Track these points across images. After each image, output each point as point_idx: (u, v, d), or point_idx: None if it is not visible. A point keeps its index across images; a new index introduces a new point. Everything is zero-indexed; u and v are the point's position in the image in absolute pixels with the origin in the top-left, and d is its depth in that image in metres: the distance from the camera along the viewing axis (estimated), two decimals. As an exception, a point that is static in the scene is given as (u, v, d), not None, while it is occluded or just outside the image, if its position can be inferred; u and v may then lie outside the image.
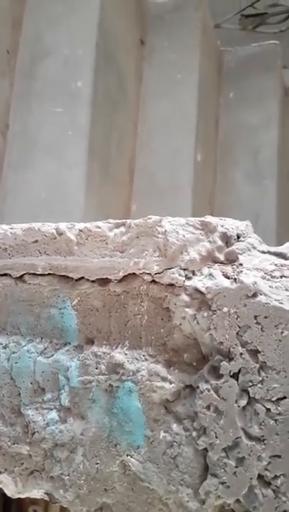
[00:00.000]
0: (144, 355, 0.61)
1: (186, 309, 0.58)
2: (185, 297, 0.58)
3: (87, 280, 0.66)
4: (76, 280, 0.66)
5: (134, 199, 2.29)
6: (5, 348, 0.68)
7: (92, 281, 0.65)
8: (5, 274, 0.71)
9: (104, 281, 0.65)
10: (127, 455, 0.59)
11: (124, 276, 0.63)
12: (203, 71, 2.40)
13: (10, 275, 0.70)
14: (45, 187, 1.82)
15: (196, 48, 2.40)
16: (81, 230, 0.67)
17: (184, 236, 0.60)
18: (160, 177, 2.27)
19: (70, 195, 1.83)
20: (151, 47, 2.42)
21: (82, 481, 0.61)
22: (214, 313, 0.56)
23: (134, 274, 0.63)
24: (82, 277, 0.66)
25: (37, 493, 0.66)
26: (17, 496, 0.66)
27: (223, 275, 0.57)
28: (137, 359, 0.61)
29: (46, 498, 0.65)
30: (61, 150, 1.84)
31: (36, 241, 0.69)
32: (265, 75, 2.60)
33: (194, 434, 0.56)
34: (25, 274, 0.69)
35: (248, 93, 2.65)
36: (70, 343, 0.66)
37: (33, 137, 1.87)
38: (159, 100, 2.34)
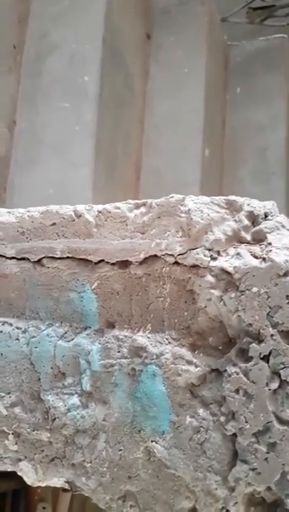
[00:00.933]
0: (167, 339, 0.59)
1: (212, 291, 0.56)
2: (210, 278, 0.56)
3: (107, 263, 0.64)
4: (95, 263, 0.65)
5: (140, 197, 2.27)
6: (24, 332, 0.66)
7: (112, 264, 0.64)
8: (23, 258, 0.69)
9: (124, 264, 0.63)
10: (152, 441, 0.57)
11: (146, 258, 0.61)
12: (210, 66, 2.38)
13: (28, 259, 0.68)
14: (51, 184, 1.81)
15: (203, 42, 2.38)
16: (100, 212, 0.65)
17: (208, 215, 0.58)
18: (167, 175, 2.25)
19: (77, 193, 1.81)
20: (158, 42, 2.40)
21: (104, 469, 0.59)
22: (242, 294, 0.54)
23: (155, 255, 0.61)
24: (102, 260, 0.64)
25: (57, 482, 0.64)
26: (37, 484, 0.64)
27: (251, 255, 0.55)
28: (160, 342, 0.59)
29: (66, 486, 0.63)
30: (68, 147, 1.82)
31: (54, 224, 0.67)
32: (273, 70, 2.58)
33: (222, 419, 0.54)
34: (43, 257, 0.68)
35: (255, 89, 2.63)
36: (90, 327, 0.64)
37: (40, 134, 1.86)
38: (165, 96, 2.33)
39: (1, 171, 1.88)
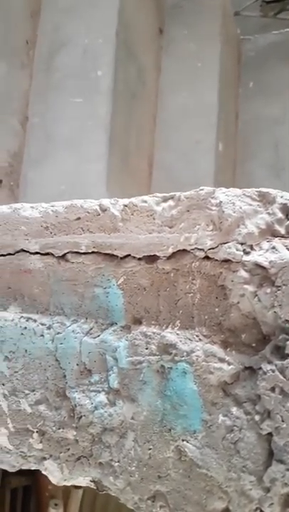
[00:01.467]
0: (197, 336, 0.57)
1: (245, 286, 0.54)
2: (244, 273, 0.54)
3: (134, 258, 0.62)
4: (121, 258, 0.63)
5: (152, 192, 2.25)
6: (49, 328, 0.65)
7: (139, 259, 0.62)
8: (47, 253, 0.68)
9: (151, 259, 0.61)
10: (183, 440, 0.56)
11: (174, 252, 0.60)
12: (224, 60, 2.35)
13: (52, 254, 0.67)
14: (64, 179, 1.80)
15: (216, 36, 2.35)
16: (126, 206, 0.64)
17: (240, 208, 0.56)
18: (179, 170, 2.22)
19: (90, 188, 1.80)
20: (170, 36, 2.38)
21: (133, 468, 0.58)
22: (279, 289, 0.52)
23: (184, 250, 0.59)
24: (128, 255, 0.63)
25: (82, 481, 0.63)
26: (63, 483, 0.63)
27: (287, 249, 0.53)
28: (190, 339, 0.57)
29: (92, 485, 0.62)
30: (81, 142, 1.81)
31: (79, 218, 0.66)
32: (286, 64, 2.54)
33: (257, 417, 0.52)
34: (68, 252, 0.66)
35: (268, 83, 2.59)
36: (116, 323, 0.62)
37: (52, 129, 1.85)
38: (178, 91, 2.30)
39: (14, 166, 1.87)
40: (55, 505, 2.59)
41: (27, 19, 1.99)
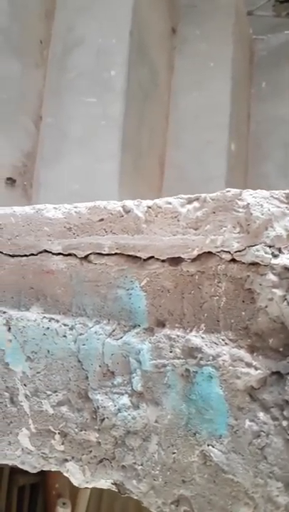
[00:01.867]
0: (223, 340, 0.57)
1: (274, 290, 0.53)
2: (272, 277, 0.54)
3: (157, 259, 0.62)
4: (145, 260, 0.63)
5: (164, 192, 2.25)
6: (71, 329, 0.65)
7: (163, 261, 0.62)
8: (70, 254, 0.68)
9: (175, 261, 0.61)
10: (208, 445, 0.55)
11: (199, 254, 0.59)
12: (236, 60, 2.34)
13: (75, 255, 0.67)
14: (77, 179, 1.80)
15: (229, 36, 2.34)
16: (150, 207, 0.63)
17: (268, 210, 0.55)
18: (191, 170, 2.22)
19: (103, 187, 1.80)
20: (183, 36, 2.37)
21: (157, 472, 0.58)
22: (308, 293, 0.51)
23: (210, 252, 0.59)
24: (152, 257, 0.62)
25: (104, 483, 0.62)
26: (85, 485, 0.63)
27: (316, 252, 0.52)
28: (215, 343, 0.57)
29: (114, 488, 0.62)
30: (94, 141, 1.81)
31: (102, 219, 0.66)
32: (299, 64, 2.52)
33: (284, 423, 0.52)
34: (90, 253, 0.66)
35: (280, 83, 2.57)
36: (139, 325, 0.62)
37: (66, 129, 1.85)
38: (190, 90, 2.29)
39: (27, 166, 1.87)
40: (63, 504, 2.60)
41: (41, 19, 1.99)
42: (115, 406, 0.61)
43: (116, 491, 0.62)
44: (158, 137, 2.15)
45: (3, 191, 1.79)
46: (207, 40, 2.32)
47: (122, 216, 0.65)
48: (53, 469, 0.66)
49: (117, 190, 1.77)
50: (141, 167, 1.96)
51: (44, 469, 0.66)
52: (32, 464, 0.66)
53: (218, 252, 0.58)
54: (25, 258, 0.71)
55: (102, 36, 1.89)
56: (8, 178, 1.82)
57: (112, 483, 0.62)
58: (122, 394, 0.61)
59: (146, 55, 2.04)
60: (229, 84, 2.24)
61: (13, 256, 0.72)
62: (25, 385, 0.67)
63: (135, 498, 0.60)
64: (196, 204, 0.61)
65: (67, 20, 1.95)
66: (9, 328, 0.69)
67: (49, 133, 1.87)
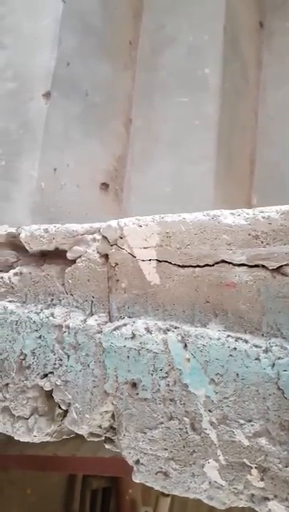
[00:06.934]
0: None
1: None
2: None
3: None
4: None
5: (254, 191, 2.15)
6: (266, 352, 0.58)
7: None
8: (256, 266, 0.60)
9: None
10: None
11: None
12: None
13: (264, 266, 0.59)
14: (169, 182, 1.74)
15: None
16: None
17: None
18: (282, 168, 2.09)
19: (196, 190, 1.73)
20: (271, 29, 2.25)
21: None
22: None
23: None
24: None
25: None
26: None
27: None
28: None
29: None
30: (186, 143, 1.74)
31: (302, 226, 0.58)
32: None
33: None
34: (285, 265, 0.58)
35: None
36: None
37: (157, 131, 1.80)
38: (279, 86, 2.17)
39: (118, 170, 1.85)
40: (146, 512, 2.56)
41: (129, 20, 1.96)
42: None
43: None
44: (248, 134, 2.05)
45: (98, 196, 1.77)
46: (296, 32, 2.19)
47: None
48: (244, 506, 0.59)
49: (212, 193, 1.69)
50: (233, 167, 1.88)
51: (232, 505, 0.59)
52: (222, 500, 0.59)
53: None
54: (198, 269, 0.65)
55: (193, 34, 1.83)
56: (103, 183, 1.81)
57: None
58: None
59: (238, 51, 1.95)
60: None
61: (183, 266, 0.66)
62: (210, 410, 0.60)
63: None
64: None
65: (156, 19, 1.91)
66: (185, 346, 0.63)
67: (139, 135, 1.83)
